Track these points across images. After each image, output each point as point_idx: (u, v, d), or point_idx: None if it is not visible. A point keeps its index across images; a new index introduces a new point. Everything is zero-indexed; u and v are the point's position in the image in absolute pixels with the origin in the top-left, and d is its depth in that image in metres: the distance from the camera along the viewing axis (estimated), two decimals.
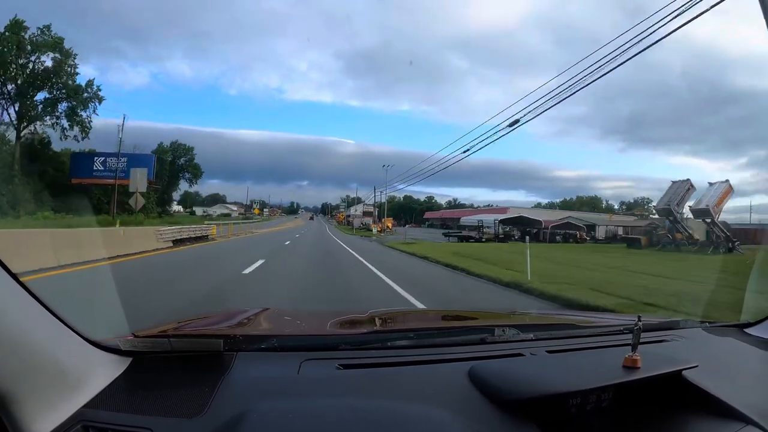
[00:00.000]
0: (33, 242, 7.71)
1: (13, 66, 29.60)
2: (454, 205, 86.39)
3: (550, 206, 70.55)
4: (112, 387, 0.81)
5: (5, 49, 28.28)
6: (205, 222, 27.01)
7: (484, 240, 30.18)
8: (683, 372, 0.93)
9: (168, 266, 9.52)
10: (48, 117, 31.72)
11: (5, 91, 29.77)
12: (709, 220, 23.20)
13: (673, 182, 25.62)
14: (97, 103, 33.06)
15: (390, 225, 39.54)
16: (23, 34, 28.97)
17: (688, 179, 25.06)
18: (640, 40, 8.42)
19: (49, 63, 30.63)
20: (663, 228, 26.86)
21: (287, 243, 19.06)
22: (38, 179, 27.73)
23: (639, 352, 0.89)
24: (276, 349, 1.02)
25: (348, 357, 1.00)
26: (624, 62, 8.59)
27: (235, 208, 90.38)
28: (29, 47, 29.67)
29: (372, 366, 0.98)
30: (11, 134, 29.95)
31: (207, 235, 18.49)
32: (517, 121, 12.03)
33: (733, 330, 1.42)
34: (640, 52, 8.41)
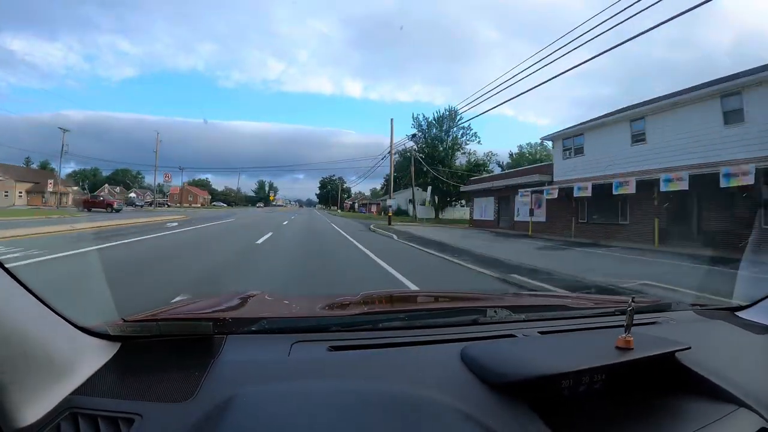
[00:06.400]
0: None
1: None
2: None
3: None
4: (101, 373, 0.80)
5: None
6: None
7: None
8: (676, 354, 0.92)
9: None
10: None
11: None
12: None
13: None
14: None
15: None
16: None
17: None
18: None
19: None
20: None
21: None
22: None
23: (631, 334, 0.88)
24: (266, 332, 1.01)
25: (339, 339, 0.99)
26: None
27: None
28: None
29: (363, 347, 0.97)
30: None
31: None
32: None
33: (725, 313, 1.42)
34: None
